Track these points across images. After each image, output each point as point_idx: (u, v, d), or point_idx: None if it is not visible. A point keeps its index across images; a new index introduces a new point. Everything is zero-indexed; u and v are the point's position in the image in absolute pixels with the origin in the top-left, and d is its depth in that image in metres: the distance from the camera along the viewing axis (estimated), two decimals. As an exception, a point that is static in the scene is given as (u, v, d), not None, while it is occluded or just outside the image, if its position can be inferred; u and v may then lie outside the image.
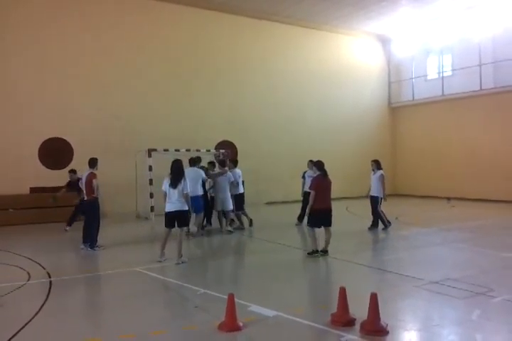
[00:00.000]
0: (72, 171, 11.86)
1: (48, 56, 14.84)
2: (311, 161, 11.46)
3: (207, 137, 17.14)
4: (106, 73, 15.77)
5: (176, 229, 8.15)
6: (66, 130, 14.97)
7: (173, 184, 8.00)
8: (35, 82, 14.65)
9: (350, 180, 19.84)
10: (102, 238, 9.74)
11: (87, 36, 15.47)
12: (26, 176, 14.14)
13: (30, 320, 5.16)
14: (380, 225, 11.50)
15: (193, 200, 9.39)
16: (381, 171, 11.45)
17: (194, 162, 11.05)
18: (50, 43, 14.90)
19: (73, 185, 11.37)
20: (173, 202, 8.01)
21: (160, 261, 8.02)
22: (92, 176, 9.37)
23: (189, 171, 10.08)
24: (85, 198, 9.49)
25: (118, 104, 15.87)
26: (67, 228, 11.82)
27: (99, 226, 9.69)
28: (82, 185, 9.56)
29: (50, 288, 6.57)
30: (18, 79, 14.42)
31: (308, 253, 8.51)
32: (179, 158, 8.43)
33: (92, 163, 9.58)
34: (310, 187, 8.60)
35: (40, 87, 14.69)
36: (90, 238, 9.44)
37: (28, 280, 7.00)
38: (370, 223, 11.58)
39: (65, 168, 14.32)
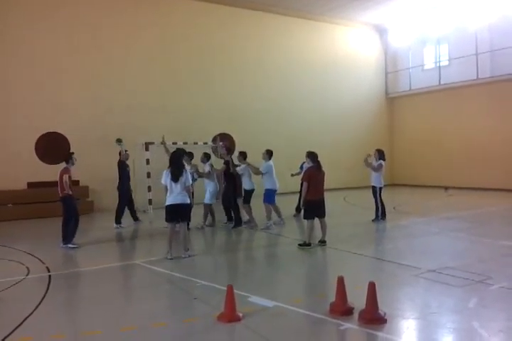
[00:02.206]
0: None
1: (41, 51, 14.72)
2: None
3: (204, 130, 17.08)
4: (101, 67, 15.67)
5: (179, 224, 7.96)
6: (62, 124, 14.85)
7: (175, 177, 7.64)
8: (31, 76, 14.55)
9: (348, 171, 19.88)
10: (101, 232, 9.72)
11: (81, 30, 15.35)
12: (23, 171, 14.10)
13: (30, 314, 5.17)
14: (372, 216, 11.39)
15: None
16: (380, 161, 11.41)
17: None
18: (44, 38, 14.78)
19: (124, 165, 11.46)
20: (176, 196, 7.66)
21: (171, 259, 7.67)
22: (62, 172, 8.91)
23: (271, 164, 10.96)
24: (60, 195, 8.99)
25: (114, 98, 15.79)
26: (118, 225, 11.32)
27: (77, 223, 9.08)
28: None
29: (49, 282, 6.58)
30: (13, 75, 14.34)
31: (299, 245, 8.51)
32: (179, 150, 8.14)
33: (65, 157, 9.17)
34: (302, 179, 8.61)
35: (36, 81, 14.60)
36: (64, 234, 8.99)
37: (27, 274, 7.01)
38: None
39: (62, 162, 14.27)
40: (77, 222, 9.11)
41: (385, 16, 21.17)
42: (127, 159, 11.72)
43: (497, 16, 17.78)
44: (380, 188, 11.35)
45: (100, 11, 15.74)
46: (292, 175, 12.38)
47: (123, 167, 11.47)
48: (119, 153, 11.73)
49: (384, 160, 11.46)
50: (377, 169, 11.23)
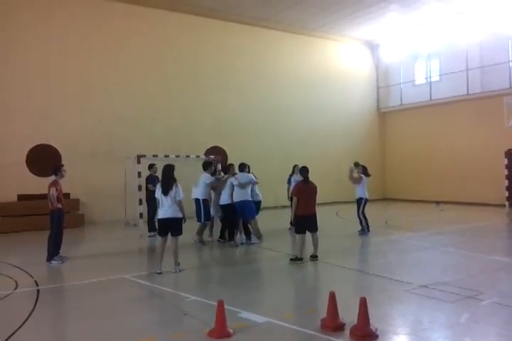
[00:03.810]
0: (151, 166, 12.03)
1: (31, 60, 14.69)
2: (296, 166, 11.91)
3: (196, 143, 17.11)
4: (91, 77, 15.67)
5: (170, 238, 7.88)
6: (53, 135, 14.83)
7: (164, 191, 7.71)
8: (21, 88, 14.51)
9: (340, 185, 19.85)
10: (91, 245, 9.61)
11: (73, 39, 15.38)
12: (14, 183, 14.01)
13: (18, 329, 5.08)
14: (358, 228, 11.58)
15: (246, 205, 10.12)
16: (361, 175, 11.58)
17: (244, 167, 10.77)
18: (35, 48, 14.76)
19: (153, 179, 11.47)
20: (166, 209, 7.72)
21: (160, 273, 7.61)
22: (50, 184, 8.62)
23: (242, 175, 10.37)
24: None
25: (105, 111, 15.78)
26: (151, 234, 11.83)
27: (61, 239, 8.88)
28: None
29: (37, 296, 6.48)
30: (3, 85, 14.29)
31: (290, 259, 8.47)
32: (171, 163, 8.18)
33: (54, 170, 8.85)
34: (291, 193, 8.72)
35: (27, 93, 14.56)
36: (48, 250, 8.71)
37: (16, 288, 6.90)
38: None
39: (52, 175, 14.21)
40: (58, 238, 8.81)
41: (377, 32, 21.45)
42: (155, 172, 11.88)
43: (487, 33, 18.05)
44: (366, 200, 11.47)
45: (92, 19, 15.76)
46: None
47: (154, 180, 11.32)
48: (149, 167, 12.04)
49: (366, 175, 11.63)
50: (357, 181, 11.47)
